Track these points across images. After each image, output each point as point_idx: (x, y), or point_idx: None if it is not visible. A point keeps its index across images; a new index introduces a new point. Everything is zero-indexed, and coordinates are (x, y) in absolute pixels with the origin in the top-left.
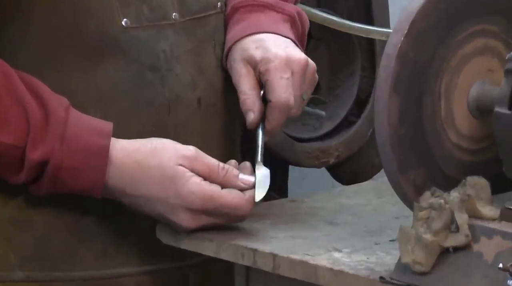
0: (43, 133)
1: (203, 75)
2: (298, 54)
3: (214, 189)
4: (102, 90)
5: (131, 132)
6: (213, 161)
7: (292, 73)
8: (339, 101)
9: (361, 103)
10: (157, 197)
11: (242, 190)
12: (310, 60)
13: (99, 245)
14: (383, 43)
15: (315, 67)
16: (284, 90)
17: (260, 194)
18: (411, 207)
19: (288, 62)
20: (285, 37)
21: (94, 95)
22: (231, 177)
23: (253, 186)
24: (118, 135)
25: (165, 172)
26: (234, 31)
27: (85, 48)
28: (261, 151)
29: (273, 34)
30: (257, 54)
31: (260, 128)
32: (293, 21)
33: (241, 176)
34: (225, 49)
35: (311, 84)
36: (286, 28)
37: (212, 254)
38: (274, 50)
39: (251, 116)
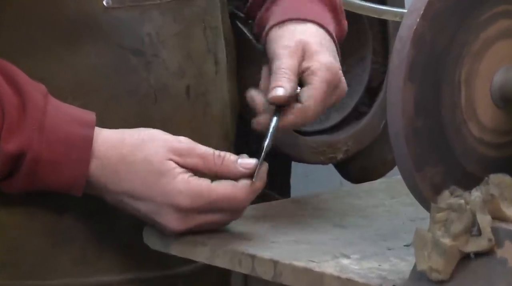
0: (19, 123)
1: (192, 61)
2: (345, 82)
3: (203, 183)
4: (81, 77)
5: (112, 124)
6: (207, 150)
7: (328, 93)
8: (348, 89)
9: (372, 91)
10: (142, 195)
11: (242, 176)
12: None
13: (78, 249)
14: (397, 24)
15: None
16: (317, 109)
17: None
18: (427, 208)
19: (336, 83)
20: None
21: (72, 82)
22: (229, 164)
23: (254, 170)
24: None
25: (151, 167)
26: (289, 5)
27: (63, 30)
28: (270, 139)
29: (328, 36)
30: (317, 50)
31: (276, 117)
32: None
33: (240, 160)
34: (277, 19)
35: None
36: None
37: (205, 261)
38: (332, 62)
39: (281, 91)
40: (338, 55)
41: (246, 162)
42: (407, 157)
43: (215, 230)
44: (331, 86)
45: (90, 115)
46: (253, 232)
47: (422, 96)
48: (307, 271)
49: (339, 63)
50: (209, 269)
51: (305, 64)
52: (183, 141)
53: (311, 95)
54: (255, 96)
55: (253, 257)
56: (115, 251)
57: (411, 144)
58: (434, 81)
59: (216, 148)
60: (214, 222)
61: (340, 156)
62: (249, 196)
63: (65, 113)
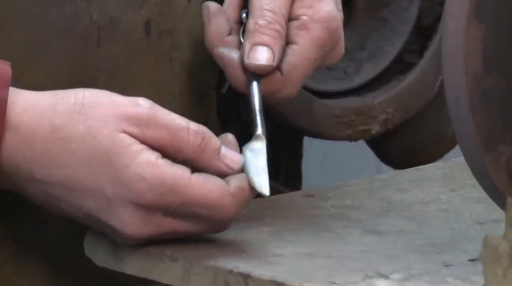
0: None
1: None
2: (343, 42)
3: (179, 172)
4: None
5: (35, 80)
6: (177, 121)
7: (319, 60)
8: (387, 29)
9: (424, 33)
10: (84, 185)
11: (222, 175)
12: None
13: None
14: None
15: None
16: (300, 83)
17: (263, 182)
18: (503, 204)
19: (332, 45)
20: None
21: None
22: (209, 149)
23: (239, 170)
24: (15, 85)
25: (97, 144)
26: None
27: None
28: (260, 116)
29: None
30: None
31: (255, 84)
32: None
33: (224, 150)
34: None
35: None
36: None
37: (176, 283)
38: (333, 13)
39: (266, 57)
40: None
41: (231, 156)
42: (473, 131)
43: (190, 238)
44: (325, 49)
45: (4, 68)
46: (247, 240)
47: (494, 43)
48: None
49: (341, 12)
50: None
51: (295, 10)
52: (142, 105)
53: (297, 64)
54: (225, 56)
55: (246, 276)
56: (42, 267)
57: (478, 112)
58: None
59: (188, 115)
60: (185, 232)
61: (376, 129)
62: (241, 206)
63: None
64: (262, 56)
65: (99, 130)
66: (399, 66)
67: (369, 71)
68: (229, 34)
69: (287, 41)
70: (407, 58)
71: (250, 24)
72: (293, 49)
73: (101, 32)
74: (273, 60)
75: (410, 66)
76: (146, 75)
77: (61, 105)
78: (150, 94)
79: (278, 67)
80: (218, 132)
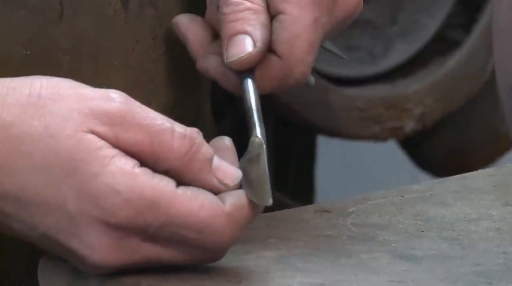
0: None
1: None
2: None
3: (162, 185)
4: None
5: None
6: (159, 121)
7: (320, 22)
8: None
9: (471, 3)
10: (41, 198)
11: (214, 192)
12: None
13: None
14: None
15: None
16: (307, 61)
17: (264, 193)
18: None
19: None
20: None
21: None
22: (199, 159)
23: (236, 187)
24: None
25: (57, 146)
26: None
27: None
28: (257, 116)
29: None
30: None
31: (248, 81)
32: None
33: (218, 161)
34: None
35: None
36: None
37: None
38: None
39: (248, 45)
40: None
41: (225, 170)
42: None
43: (173, 265)
44: (323, 5)
45: None
46: (245, 268)
47: None
48: None
49: None
50: None
51: None
52: (115, 99)
53: (292, 38)
54: (210, 65)
55: None
56: None
57: None
58: None
59: (175, 113)
60: (168, 261)
61: (410, 126)
62: (239, 229)
63: None
64: (240, 48)
65: (60, 129)
66: (440, 45)
67: (401, 52)
68: (215, 39)
69: (273, 15)
70: (450, 35)
71: (220, 19)
72: (282, 21)
73: (64, 2)
74: (253, 48)
75: (454, 45)
76: (122, 57)
77: (12, 96)
78: (127, 82)
79: (272, 51)
80: (211, 127)
